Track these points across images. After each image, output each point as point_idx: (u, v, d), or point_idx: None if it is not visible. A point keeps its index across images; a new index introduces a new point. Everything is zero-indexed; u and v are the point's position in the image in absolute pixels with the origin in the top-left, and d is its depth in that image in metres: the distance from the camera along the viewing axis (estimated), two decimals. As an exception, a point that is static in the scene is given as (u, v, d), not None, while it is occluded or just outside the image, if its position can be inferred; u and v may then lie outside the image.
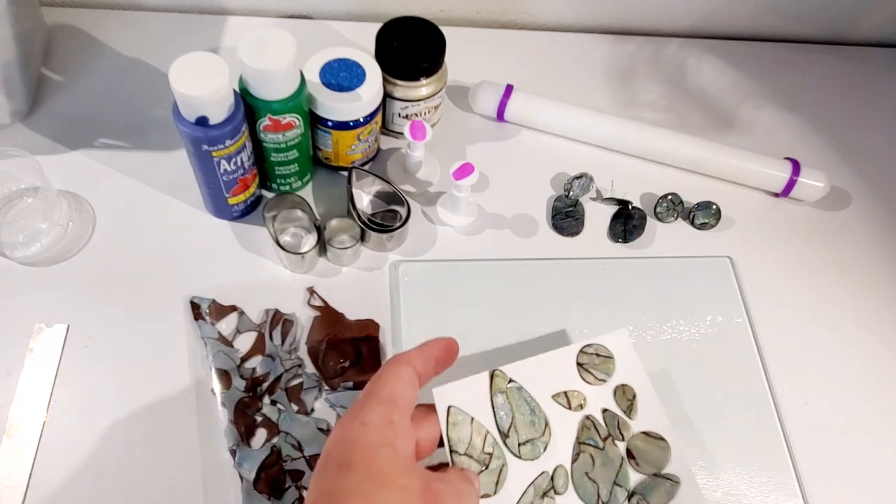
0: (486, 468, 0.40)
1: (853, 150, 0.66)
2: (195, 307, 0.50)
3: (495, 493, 0.40)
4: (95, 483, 0.45)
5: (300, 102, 0.49)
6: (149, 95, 0.60)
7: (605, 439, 0.44)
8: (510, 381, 0.43)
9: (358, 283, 0.53)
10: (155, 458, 0.45)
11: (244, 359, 0.49)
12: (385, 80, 0.54)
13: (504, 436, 0.42)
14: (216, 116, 0.45)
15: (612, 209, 0.59)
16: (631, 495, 0.43)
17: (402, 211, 0.54)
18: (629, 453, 0.44)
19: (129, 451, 0.46)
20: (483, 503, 0.39)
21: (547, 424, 0.43)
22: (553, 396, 0.44)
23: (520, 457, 0.41)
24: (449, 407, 0.41)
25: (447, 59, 0.57)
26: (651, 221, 0.59)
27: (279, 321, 0.50)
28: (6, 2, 0.51)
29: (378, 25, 0.55)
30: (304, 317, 0.51)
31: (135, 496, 0.44)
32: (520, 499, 0.40)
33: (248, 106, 0.48)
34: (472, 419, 0.41)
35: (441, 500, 0.33)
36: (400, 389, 0.36)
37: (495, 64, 0.66)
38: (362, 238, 0.53)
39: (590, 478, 0.42)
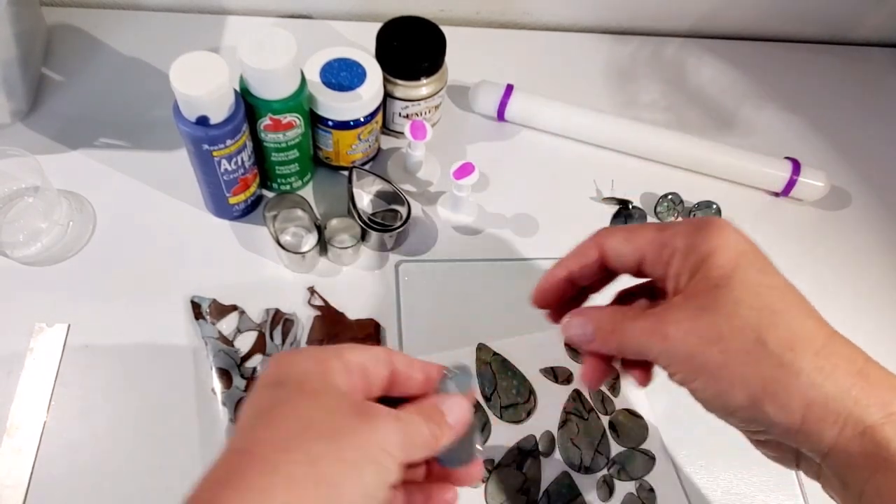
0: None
1: (853, 150, 0.66)
2: (196, 306, 0.50)
3: None
4: (96, 482, 0.45)
5: (301, 102, 0.49)
6: (149, 95, 0.60)
7: (589, 411, 0.49)
8: (494, 353, 0.50)
9: (358, 282, 0.53)
10: (155, 458, 0.45)
11: (245, 358, 0.49)
12: (385, 80, 0.54)
13: (487, 399, 0.48)
14: (217, 116, 0.45)
15: (613, 209, 0.59)
16: (611, 464, 0.48)
17: (403, 210, 0.54)
18: (612, 426, 0.49)
19: (129, 451, 0.46)
20: None
21: (532, 393, 0.49)
22: (541, 370, 0.50)
23: (502, 418, 0.48)
24: None
25: (447, 58, 0.57)
26: (651, 221, 0.59)
27: (280, 321, 0.50)
28: (6, 2, 0.51)
29: (378, 25, 0.55)
30: (305, 316, 0.51)
31: (135, 495, 0.44)
32: (504, 455, 0.47)
33: (249, 105, 0.48)
34: None
35: (377, 420, 0.29)
36: (361, 356, 0.32)
37: (495, 64, 0.66)
38: (363, 237, 0.53)
39: (574, 443, 0.48)
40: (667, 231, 0.34)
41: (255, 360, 0.49)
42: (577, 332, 0.37)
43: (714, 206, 0.59)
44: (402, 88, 0.55)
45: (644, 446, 0.49)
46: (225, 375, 0.48)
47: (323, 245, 0.53)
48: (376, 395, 0.32)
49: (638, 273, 0.36)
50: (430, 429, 0.31)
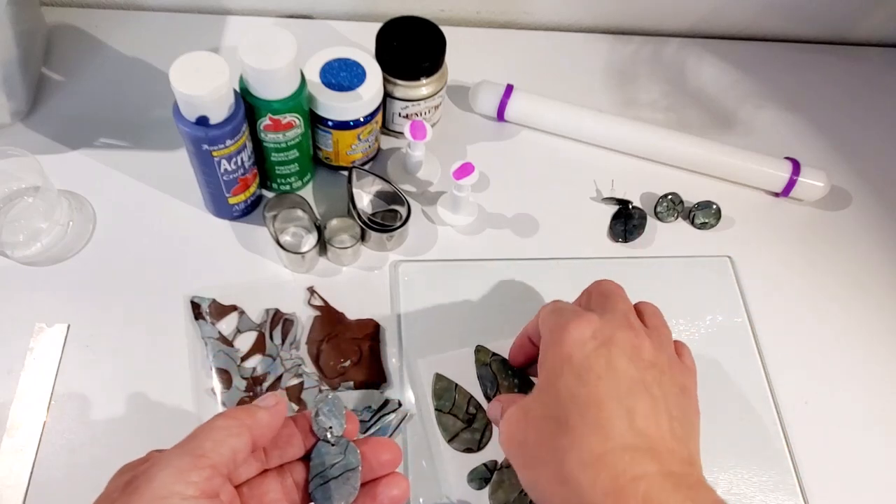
0: (470, 427, 0.47)
1: (853, 150, 0.66)
2: (195, 307, 0.50)
3: (479, 449, 0.46)
4: (96, 482, 0.44)
5: (300, 102, 0.49)
6: (149, 95, 0.60)
7: None
8: (493, 354, 0.49)
9: (358, 282, 0.53)
10: (155, 458, 0.45)
11: (244, 358, 0.49)
12: (385, 80, 0.54)
13: (488, 399, 0.48)
14: (217, 116, 0.45)
15: (612, 209, 0.59)
16: None
17: (403, 210, 0.54)
18: None
19: (129, 451, 0.45)
20: (466, 458, 0.46)
21: None
22: None
23: None
24: (435, 373, 0.49)
25: (447, 58, 0.57)
26: (651, 221, 0.59)
27: (279, 321, 0.50)
28: (6, 2, 0.52)
29: (378, 25, 0.55)
30: (305, 316, 0.51)
31: (135, 495, 0.44)
32: (505, 457, 0.46)
33: (249, 105, 0.48)
34: (457, 385, 0.48)
35: (140, 480, 0.30)
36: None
37: (495, 64, 0.66)
38: (362, 238, 0.53)
39: None
40: (541, 327, 0.41)
41: (255, 361, 0.49)
42: (492, 416, 0.44)
43: (714, 206, 0.59)
44: (402, 88, 0.55)
45: None
46: (224, 376, 0.48)
47: (323, 245, 0.53)
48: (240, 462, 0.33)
49: None
50: (234, 422, 0.32)
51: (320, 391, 0.48)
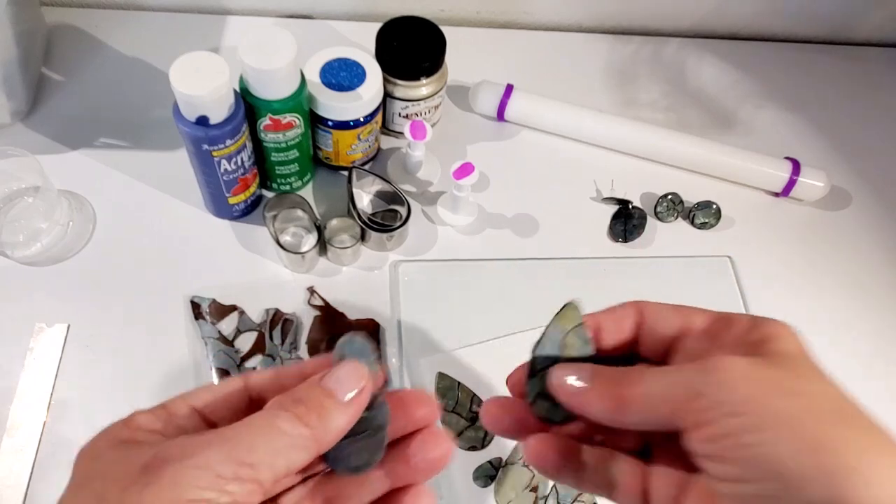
0: (473, 424, 0.47)
1: (853, 150, 0.66)
2: (195, 306, 0.50)
3: (483, 447, 0.47)
4: (96, 482, 0.45)
5: (300, 102, 0.49)
6: (149, 95, 0.60)
7: None
8: (579, 323, 0.39)
9: (358, 282, 0.53)
10: (155, 458, 0.45)
11: (244, 358, 0.49)
12: (385, 80, 0.54)
13: (535, 369, 0.44)
14: (217, 116, 0.45)
15: (612, 209, 0.59)
16: None
17: (403, 210, 0.54)
18: None
19: (129, 451, 0.46)
20: (471, 455, 0.46)
21: None
22: None
23: None
24: (438, 372, 0.49)
25: (447, 58, 0.57)
26: (651, 221, 0.59)
27: (279, 321, 0.50)
28: (6, 2, 0.52)
29: (378, 25, 0.55)
30: (305, 316, 0.51)
31: (135, 495, 0.44)
32: (510, 453, 0.46)
33: (249, 105, 0.48)
34: (460, 383, 0.49)
35: (163, 469, 0.23)
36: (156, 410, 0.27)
37: (495, 64, 0.66)
38: (362, 238, 0.53)
39: None
40: (724, 313, 0.30)
41: (255, 361, 0.49)
42: (566, 375, 0.30)
43: (714, 206, 0.59)
44: (402, 88, 0.55)
45: None
46: (225, 375, 0.48)
47: (323, 245, 0.53)
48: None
49: (665, 351, 0.31)
50: (304, 431, 0.24)
51: (342, 333, 0.40)
